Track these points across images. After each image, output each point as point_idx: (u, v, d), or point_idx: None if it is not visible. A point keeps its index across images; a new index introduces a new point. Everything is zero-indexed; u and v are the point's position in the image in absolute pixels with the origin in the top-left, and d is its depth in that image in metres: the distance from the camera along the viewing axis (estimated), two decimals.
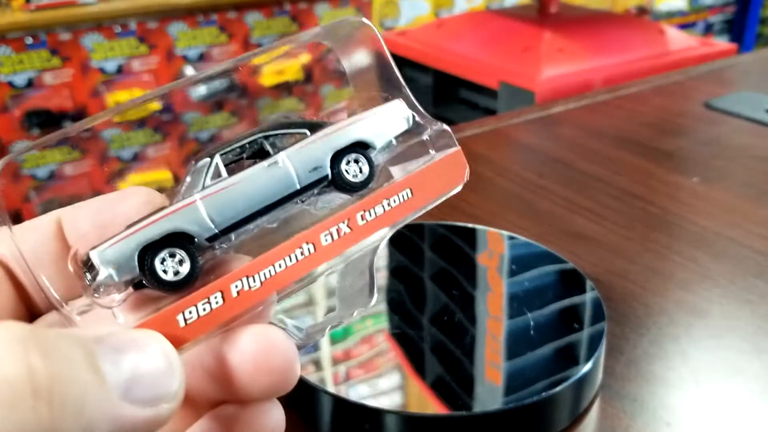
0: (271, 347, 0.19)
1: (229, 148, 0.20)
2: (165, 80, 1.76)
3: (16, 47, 1.61)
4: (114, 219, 0.20)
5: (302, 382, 0.33)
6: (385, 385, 0.34)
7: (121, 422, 0.16)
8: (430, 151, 0.23)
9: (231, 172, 0.20)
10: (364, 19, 0.22)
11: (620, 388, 0.36)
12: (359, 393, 0.34)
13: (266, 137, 0.21)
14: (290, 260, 0.20)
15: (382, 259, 0.44)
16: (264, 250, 0.20)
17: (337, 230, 0.20)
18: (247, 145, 0.21)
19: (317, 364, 0.36)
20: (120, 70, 1.73)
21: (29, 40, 1.62)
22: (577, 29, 1.18)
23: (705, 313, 0.42)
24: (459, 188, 0.22)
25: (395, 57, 0.22)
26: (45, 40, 1.63)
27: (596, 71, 1.08)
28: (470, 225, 0.46)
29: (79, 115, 1.69)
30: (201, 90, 0.22)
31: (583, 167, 0.62)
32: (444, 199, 0.22)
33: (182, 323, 0.18)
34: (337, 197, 0.21)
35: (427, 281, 0.43)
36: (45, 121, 1.67)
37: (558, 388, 0.32)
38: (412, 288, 0.42)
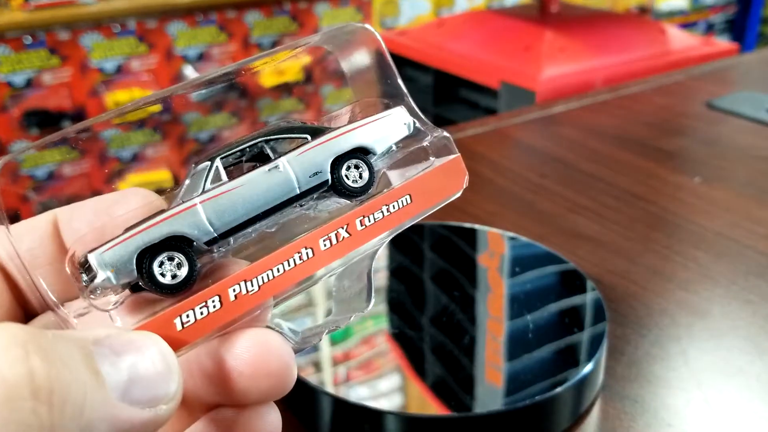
0: (268, 351, 0.19)
1: (229, 152, 0.20)
2: (164, 80, 1.76)
3: (15, 47, 1.61)
4: (111, 220, 0.20)
5: (301, 383, 0.33)
6: (386, 386, 0.34)
7: (120, 423, 0.15)
8: (430, 157, 0.23)
9: (231, 176, 0.20)
10: (367, 25, 0.22)
11: (621, 389, 0.36)
12: (359, 394, 0.33)
13: (267, 141, 0.21)
14: (288, 265, 0.20)
15: (382, 260, 0.44)
16: (263, 254, 0.20)
17: (336, 235, 0.20)
18: (248, 149, 0.21)
19: (317, 365, 0.36)
20: (119, 69, 1.72)
21: (28, 40, 1.62)
22: (578, 29, 1.18)
23: (706, 314, 0.42)
24: (458, 194, 0.22)
25: (395, 57, 0.22)
26: (44, 40, 1.63)
27: (597, 71, 1.08)
28: (471, 225, 0.46)
29: (77, 114, 1.69)
30: (201, 91, 0.22)
31: (584, 167, 0.62)
32: (443, 205, 0.22)
33: (179, 326, 0.18)
34: (337, 202, 0.21)
35: (427, 282, 0.42)
36: (44, 120, 1.67)
37: (559, 389, 0.32)
38: (413, 288, 0.42)
